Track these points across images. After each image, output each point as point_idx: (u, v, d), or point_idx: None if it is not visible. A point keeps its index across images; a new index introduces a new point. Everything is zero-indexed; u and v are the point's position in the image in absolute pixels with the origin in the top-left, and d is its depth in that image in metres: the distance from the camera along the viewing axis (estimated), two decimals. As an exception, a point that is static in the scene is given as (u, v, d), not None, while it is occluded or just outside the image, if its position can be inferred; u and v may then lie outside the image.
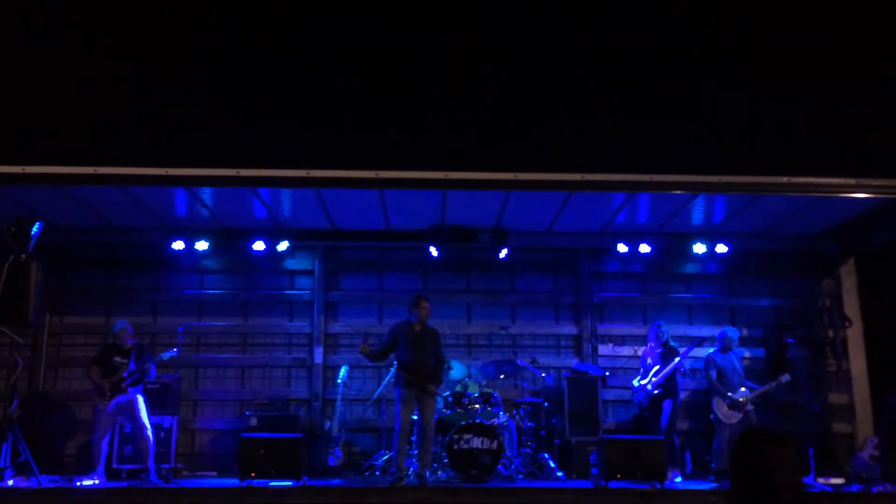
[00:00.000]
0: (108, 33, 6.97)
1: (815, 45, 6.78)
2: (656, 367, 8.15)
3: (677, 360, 7.99)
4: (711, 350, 8.31)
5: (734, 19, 6.76)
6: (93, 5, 7.00)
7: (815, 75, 6.86)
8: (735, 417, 7.73)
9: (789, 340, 8.99)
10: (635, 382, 8.38)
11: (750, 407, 7.72)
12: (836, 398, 9.20)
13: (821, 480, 7.40)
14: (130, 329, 7.85)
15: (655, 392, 8.10)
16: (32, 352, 9.01)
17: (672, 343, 8.28)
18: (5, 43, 6.83)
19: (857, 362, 9.15)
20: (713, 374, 7.93)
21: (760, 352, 9.34)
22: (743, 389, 7.79)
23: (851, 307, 9.26)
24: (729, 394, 7.74)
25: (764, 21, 6.72)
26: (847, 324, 9.19)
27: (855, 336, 9.22)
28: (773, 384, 7.83)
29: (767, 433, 2.48)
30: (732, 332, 8.10)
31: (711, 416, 7.95)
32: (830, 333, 9.31)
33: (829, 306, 9.38)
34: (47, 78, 6.91)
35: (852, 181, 7.07)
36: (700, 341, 8.35)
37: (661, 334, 8.25)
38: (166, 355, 7.65)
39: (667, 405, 8.06)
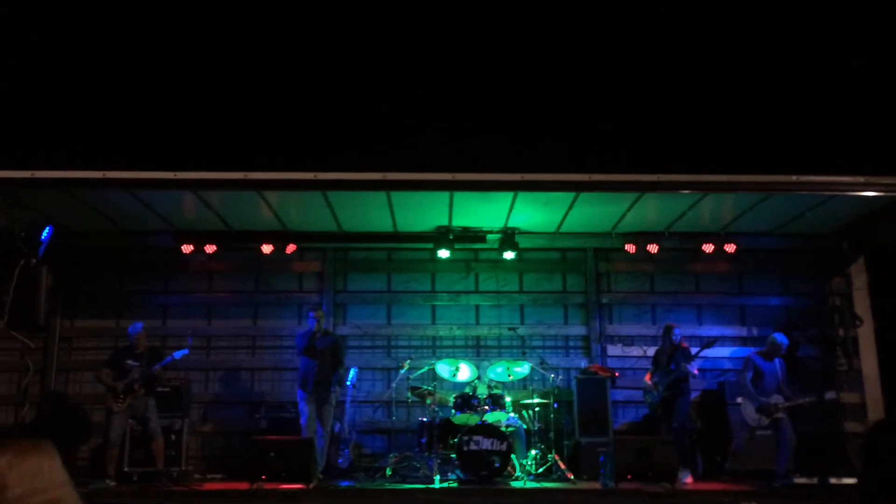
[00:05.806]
0: (117, 35, 7.01)
1: (822, 48, 6.76)
2: (669, 368, 8.06)
3: (689, 365, 7.85)
4: (730, 350, 8.02)
5: (740, 21, 6.75)
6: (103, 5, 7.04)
7: (822, 76, 6.84)
8: (763, 422, 7.49)
9: (798, 339, 8.88)
10: (647, 381, 8.32)
11: (781, 415, 7.46)
12: (847, 397, 9.13)
13: (833, 480, 7.32)
14: (144, 333, 7.86)
15: (667, 393, 8.03)
16: (44, 356, 9.04)
17: (686, 344, 8.19)
18: (11, 48, 6.88)
19: (869, 361, 9.09)
20: (749, 374, 7.70)
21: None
22: (777, 396, 7.55)
23: (862, 306, 9.19)
24: (761, 398, 7.54)
25: (770, 24, 6.70)
26: (858, 323, 9.13)
27: (866, 335, 9.15)
28: (815, 398, 7.52)
29: None
30: (781, 339, 7.85)
31: (739, 415, 7.75)
32: (841, 332, 9.26)
33: (840, 305, 9.32)
34: (55, 83, 6.96)
35: (861, 179, 7.04)
36: (710, 343, 8.22)
37: (675, 336, 8.16)
38: (178, 354, 7.67)
39: (678, 405, 7.99)
